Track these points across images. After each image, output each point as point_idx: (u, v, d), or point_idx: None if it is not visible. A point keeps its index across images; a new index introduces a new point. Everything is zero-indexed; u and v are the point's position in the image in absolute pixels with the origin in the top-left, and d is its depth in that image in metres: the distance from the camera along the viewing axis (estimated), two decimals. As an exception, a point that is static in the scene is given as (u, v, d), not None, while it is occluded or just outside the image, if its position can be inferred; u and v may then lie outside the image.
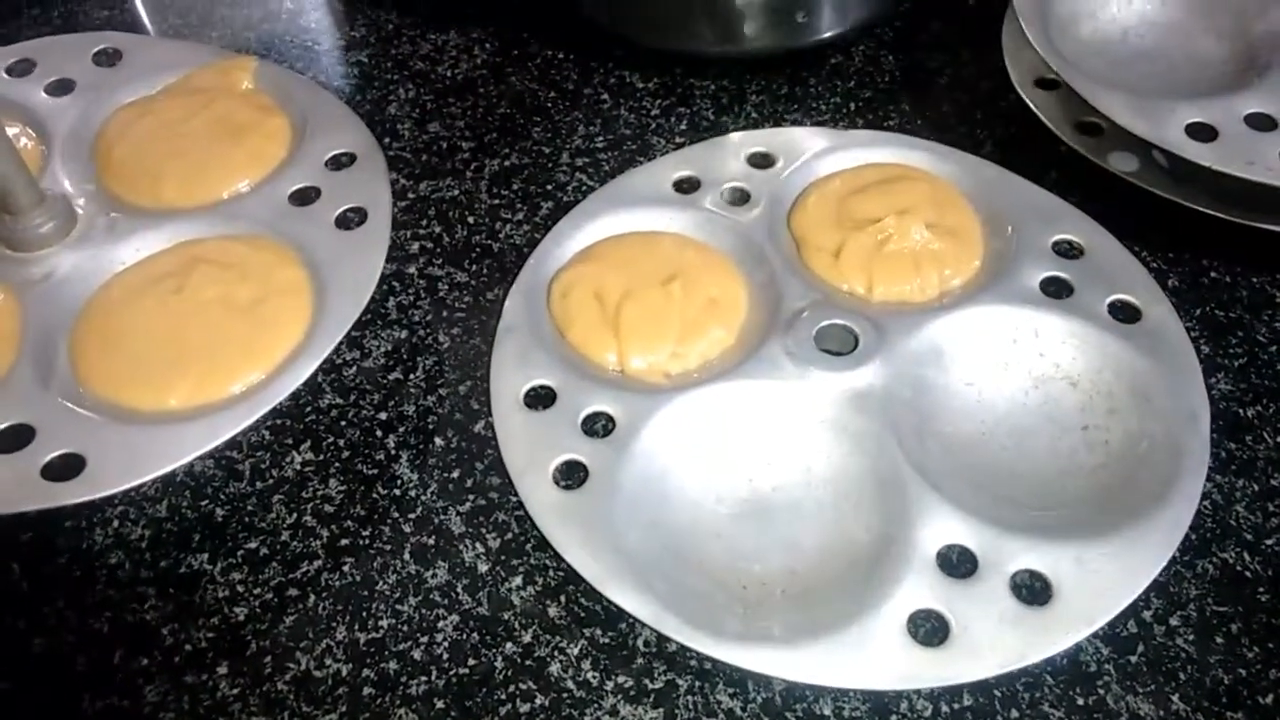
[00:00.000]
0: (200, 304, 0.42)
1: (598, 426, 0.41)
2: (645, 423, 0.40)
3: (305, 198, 0.46)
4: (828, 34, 0.58)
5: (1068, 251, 0.46)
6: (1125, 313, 0.43)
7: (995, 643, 0.34)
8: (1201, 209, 0.48)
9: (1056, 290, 0.44)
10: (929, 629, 0.35)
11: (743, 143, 0.51)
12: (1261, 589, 0.39)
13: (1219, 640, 0.37)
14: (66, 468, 0.37)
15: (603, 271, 0.45)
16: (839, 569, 0.38)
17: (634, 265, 0.45)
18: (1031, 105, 0.52)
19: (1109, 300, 0.44)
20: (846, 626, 0.35)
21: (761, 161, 0.50)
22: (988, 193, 0.48)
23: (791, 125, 0.56)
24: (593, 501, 0.38)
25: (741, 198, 0.49)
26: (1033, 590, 0.36)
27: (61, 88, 0.52)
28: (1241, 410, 0.44)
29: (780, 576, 0.38)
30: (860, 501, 0.39)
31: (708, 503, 0.40)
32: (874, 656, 0.34)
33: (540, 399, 0.41)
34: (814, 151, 0.50)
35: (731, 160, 0.50)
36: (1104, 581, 0.36)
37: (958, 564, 0.37)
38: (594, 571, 0.36)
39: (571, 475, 0.39)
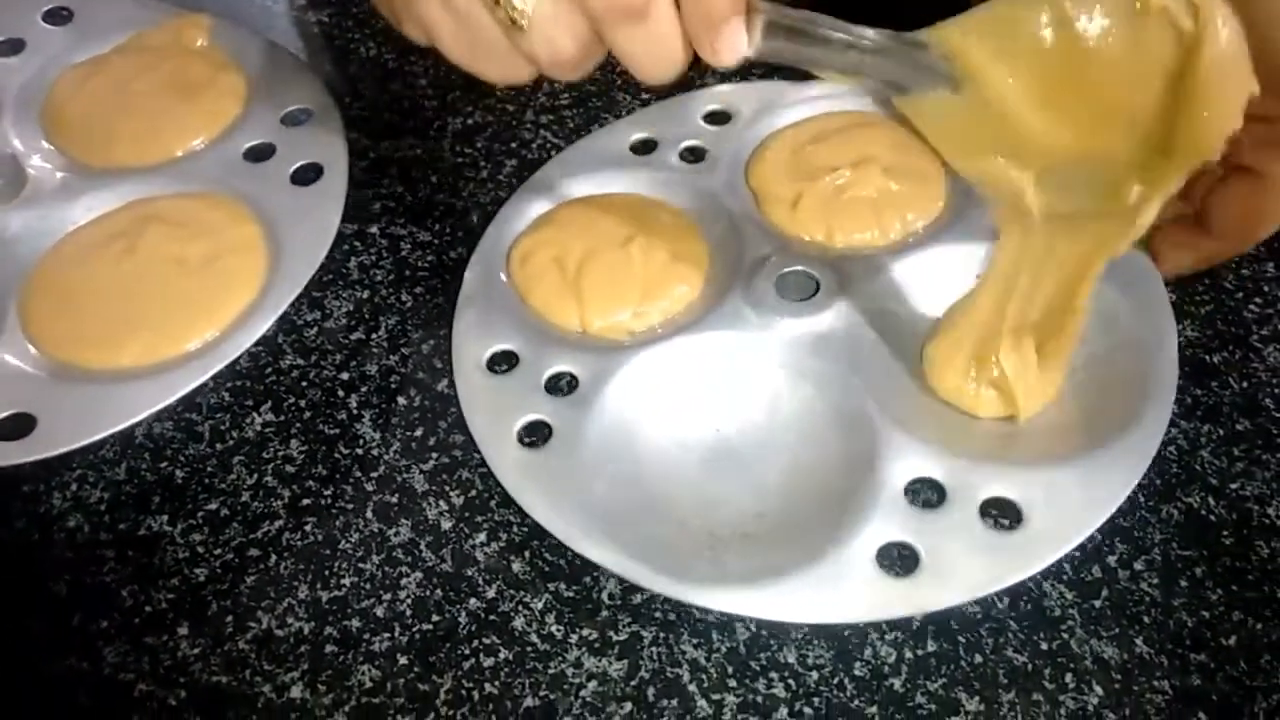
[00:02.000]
0: (153, 262, 0.42)
1: (561, 385, 0.40)
2: (609, 379, 0.40)
3: (260, 154, 0.46)
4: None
5: None
6: None
7: (966, 569, 0.34)
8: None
9: None
10: (899, 560, 0.35)
11: (699, 101, 0.51)
12: (1225, 532, 0.39)
13: (1183, 584, 0.37)
14: (16, 427, 0.37)
15: (561, 236, 0.45)
16: (807, 509, 0.38)
17: (592, 228, 0.45)
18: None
19: None
20: (815, 563, 0.35)
21: (719, 118, 0.50)
22: None
23: (750, 80, 0.55)
24: (557, 458, 0.38)
25: (699, 155, 0.48)
26: (1003, 516, 0.36)
27: (11, 47, 0.51)
28: (1207, 356, 0.44)
29: (748, 520, 0.38)
30: (826, 442, 0.39)
31: (673, 452, 0.40)
32: (843, 590, 0.34)
33: (503, 364, 0.41)
34: (771, 105, 0.50)
35: (688, 119, 0.50)
36: (1075, 504, 0.36)
37: (926, 496, 0.37)
38: (559, 526, 0.36)
39: (535, 434, 0.39)
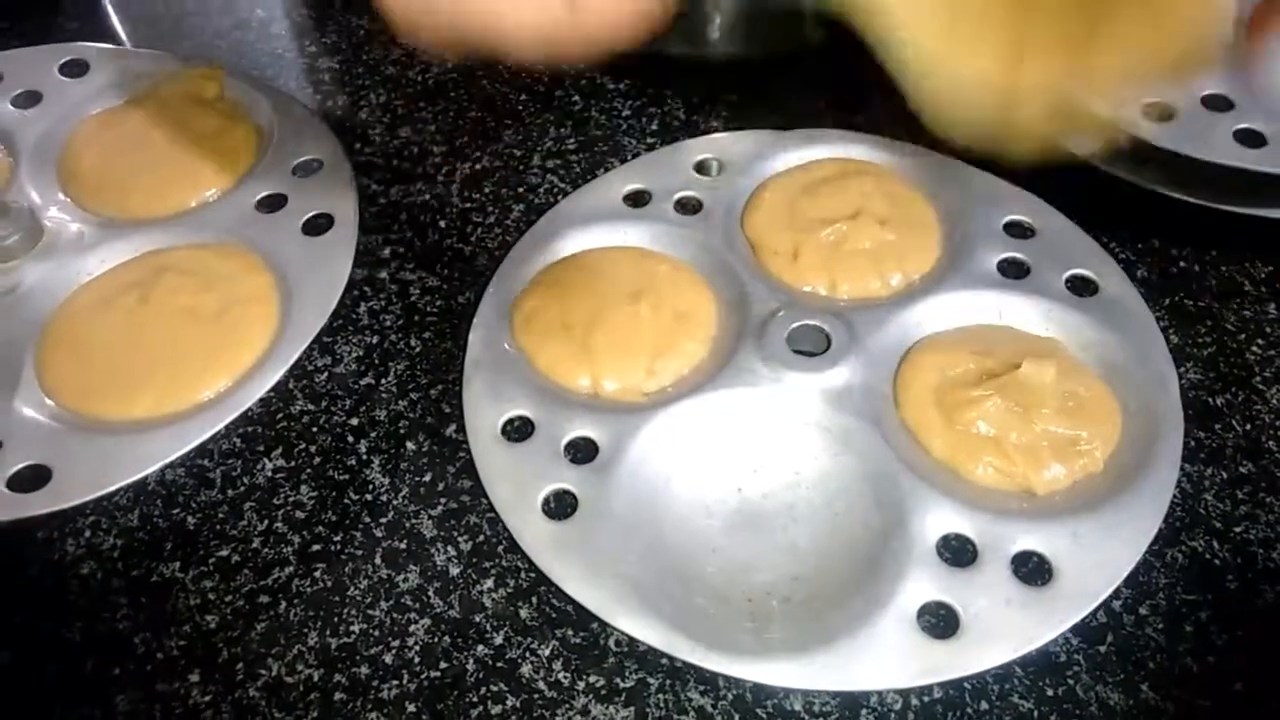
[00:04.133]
0: (166, 313, 0.42)
1: (580, 451, 0.40)
2: (629, 443, 0.40)
3: (272, 205, 0.47)
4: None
5: (1020, 232, 0.46)
6: (1082, 287, 0.44)
7: (1006, 627, 0.35)
8: (1160, 190, 0.48)
9: (1014, 270, 0.45)
10: (939, 622, 0.35)
11: (689, 151, 0.51)
12: (1230, 577, 0.39)
13: (1188, 628, 0.37)
14: (33, 479, 0.37)
15: (564, 295, 0.45)
16: (841, 569, 0.38)
17: (596, 285, 0.45)
18: (997, 94, 0.52)
19: (1066, 276, 0.44)
20: (858, 629, 0.35)
21: (709, 169, 0.50)
22: (937, 181, 0.49)
23: (735, 130, 0.56)
24: (586, 530, 0.38)
25: (694, 206, 0.49)
26: (1034, 571, 0.36)
27: (29, 99, 0.52)
28: (1211, 399, 0.44)
29: (783, 584, 0.38)
30: (853, 500, 0.39)
31: (700, 518, 0.40)
32: (890, 656, 0.34)
33: (518, 430, 0.41)
34: (760, 154, 0.51)
35: (679, 169, 0.50)
36: (1102, 553, 0.36)
37: (958, 552, 0.37)
38: (596, 602, 0.36)
39: (560, 505, 0.39)
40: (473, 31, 0.31)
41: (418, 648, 0.38)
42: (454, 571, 0.40)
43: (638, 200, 0.49)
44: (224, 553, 0.41)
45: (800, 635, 0.36)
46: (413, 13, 0.31)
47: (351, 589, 0.40)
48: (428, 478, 0.43)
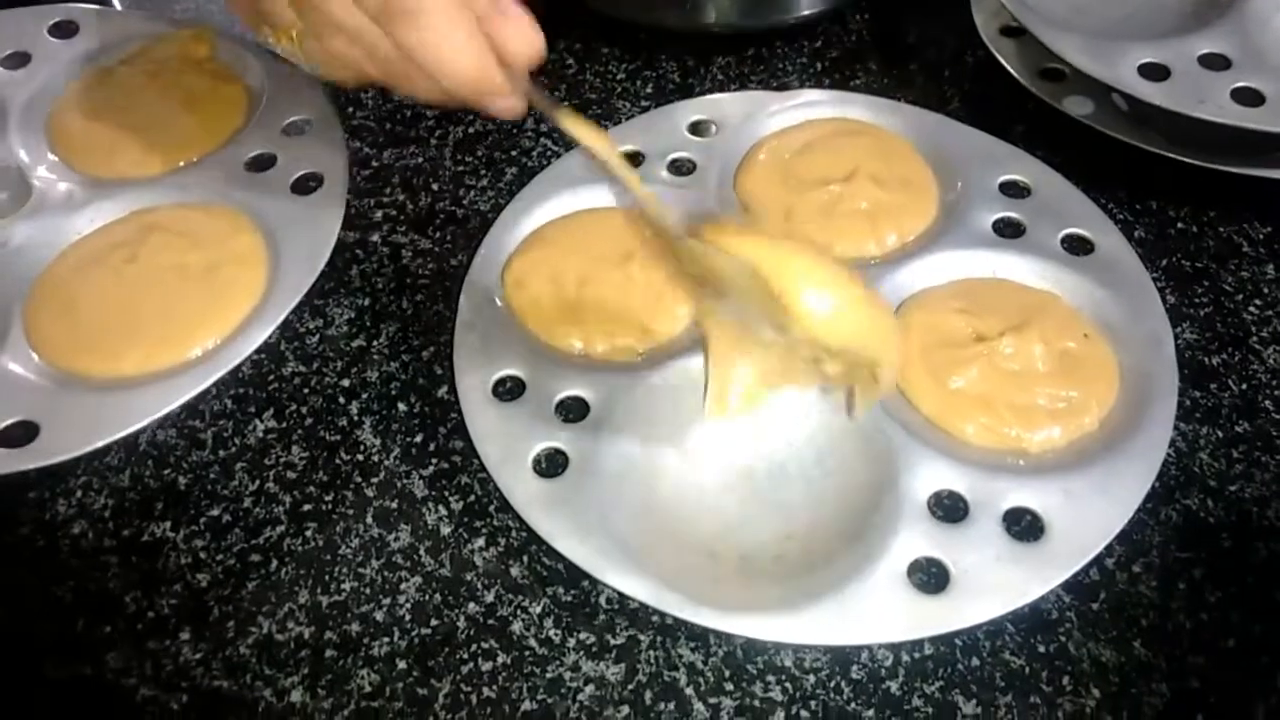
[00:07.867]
0: (154, 271, 0.42)
1: (571, 411, 0.40)
2: (618, 403, 0.40)
3: (261, 164, 0.46)
4: (808, 11, 0.57)
5: (1016, 192, 0.46)
6: (1078, 246, 0.44)
7: (996, 583, 0.35)
8: (1157, 150, 0.47)
9: (1010, 230, 0.45)
10: (930, 577, 0.35)
11: (682, 112, 0.51)
12: (1224, 534, 0.39)
13: (1181, 586, 0.37)
14: (21, 435, 0.37)
15: (555, 256, 0.44)
16: (833, 526, 0.38)
17: (587, 246, 0.45)
18: (995, 52, 0.52)
19: (1061, 235, 0.44)
20: (848, 584, 0.35)
21: (703, 130, 0.50)
22: (932, 141, 0.48)
23: (733, 91, 0.55)
24: (576, 488, 0.38)
25: (688, 168, 0.48)
26: (1026, 528, 0.36)
27: (18, 60, 0.52)
28: (1206, 359, 0.44)
29: (775, 542, 0.38)
30: (845, 458, 0.39)
31: (692, 476, 0.40)
32: (879, 611, 0.34)
33: (509, 390, 0.41)
34: (754, 114, 0.50)
35: (673, 131, 0.50)
36: (1094, 511, 0.36)
37: (950, 509, 0.37)
38: (587, 558, 0.36)
39: (551, 463, 0.39)
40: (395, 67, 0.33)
41: (408, 605, 0.38)
42: (445, 530, 0.40)
43: (631, 162, 0.49)
44: (215, 512, 0.41)
45: (791, 591, 0.35)
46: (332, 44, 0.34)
47: (343, 548, 0.40)
48: (419, 438, 0.43)
